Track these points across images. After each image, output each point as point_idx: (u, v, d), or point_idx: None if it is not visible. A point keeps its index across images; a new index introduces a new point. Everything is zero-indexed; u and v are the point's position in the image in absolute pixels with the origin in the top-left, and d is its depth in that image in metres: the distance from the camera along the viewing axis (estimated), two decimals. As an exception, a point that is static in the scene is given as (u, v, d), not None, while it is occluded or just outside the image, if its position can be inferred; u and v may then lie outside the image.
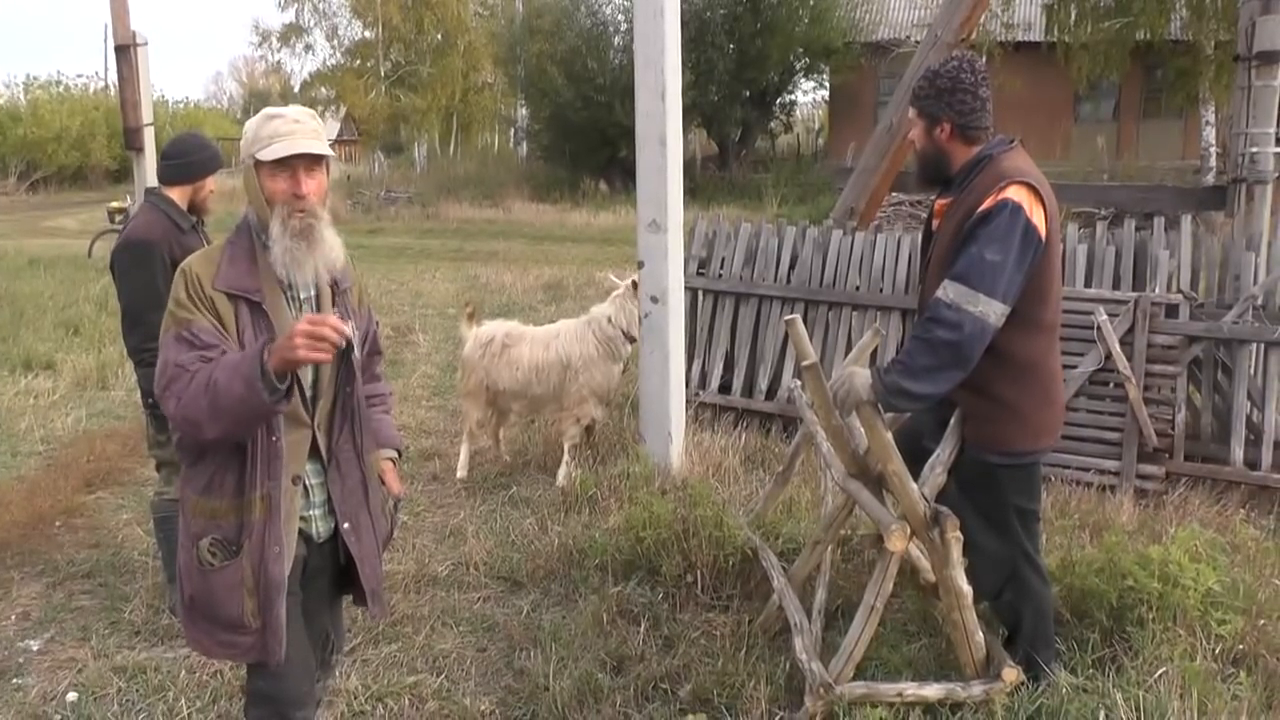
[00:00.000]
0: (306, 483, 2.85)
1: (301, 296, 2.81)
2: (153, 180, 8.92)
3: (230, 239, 2.79)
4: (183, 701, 3.93)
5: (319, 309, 2.82)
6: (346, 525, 2.92)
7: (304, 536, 2.88)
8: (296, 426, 2.77)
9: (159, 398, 2.66)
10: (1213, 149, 22.58)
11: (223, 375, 2.51)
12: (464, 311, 6.93)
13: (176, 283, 2.69)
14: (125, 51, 12.06)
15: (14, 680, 4.21)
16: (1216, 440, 6.01)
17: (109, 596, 4.94)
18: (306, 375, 2.78)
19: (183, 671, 4.14)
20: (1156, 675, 3.57)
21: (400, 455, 3.27)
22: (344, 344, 2.52)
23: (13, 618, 4.77)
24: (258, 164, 2.68)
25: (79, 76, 65.44)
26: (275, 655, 2.77)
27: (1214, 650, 3.79)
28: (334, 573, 3.05)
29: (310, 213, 2.69)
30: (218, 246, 2.81)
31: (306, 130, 2.68)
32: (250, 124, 2.75)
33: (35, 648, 4.49)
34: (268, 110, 2.74)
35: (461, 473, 6.54)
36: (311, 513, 2.89)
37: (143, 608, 4.76)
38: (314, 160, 2.70)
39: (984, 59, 4.39)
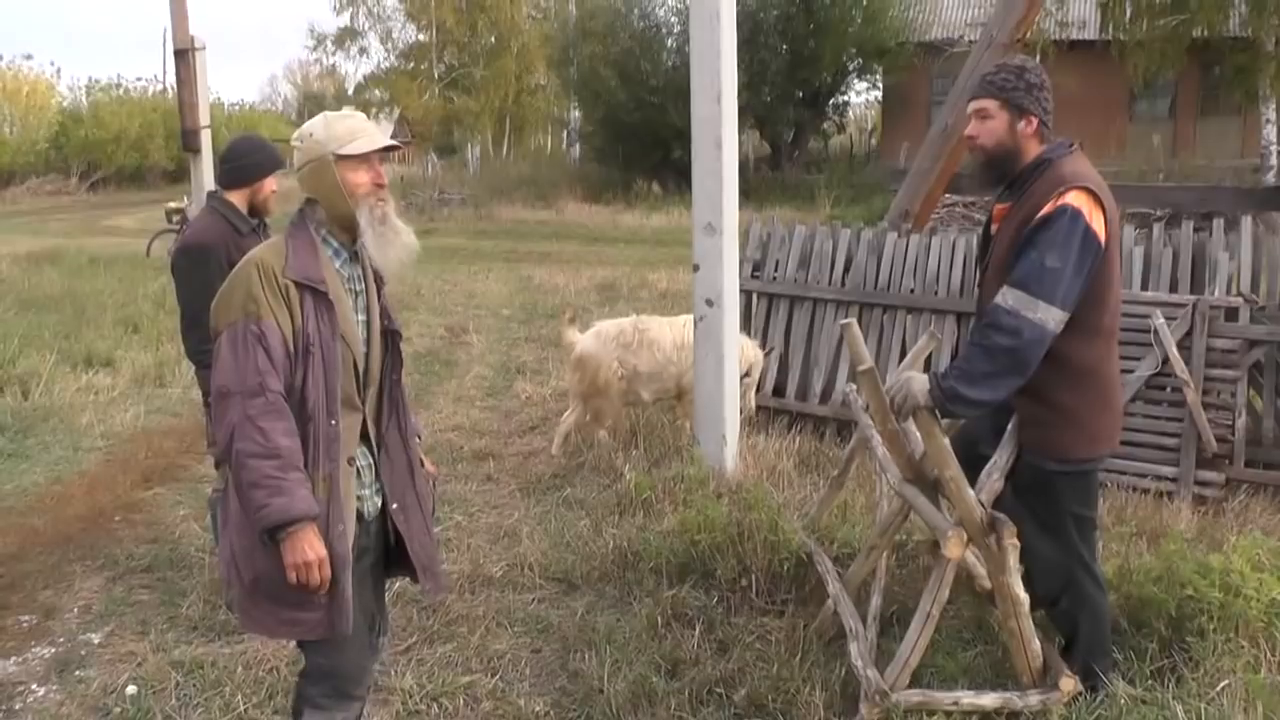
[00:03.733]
0: (358, 464, 2.97)
1: (356, 289, 2.97)
2: (209, 181, 9.05)
3: (289, 234, 2.91)
4: (239, 697, 3.97)
5: (368, 300, 3.00)
6: (395, 505, 3.06)
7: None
8: (350, 411, 2.91)
9: (215, 390, 2.73)
10: (1273, 147, 22.23)
11: (271, 470, 2.66)
12: (564, 317, 7.18)
13: (249, 273, 2.77)
14: (184, 55, 12.28)
15: (77, 672, 4.29)
16: (1278, 446, 5.90)
17: (167, 591, 5.01)
18: (359, 363, 2.92)
19: (239, 667, 4.19)
20: (1219, 688, 3.50)
21: (419, 439, 3.34)
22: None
23: (75, 610, 4.87)
24: (338, 159, 2.84)
25: (138, 80, 66.13)
26: (343, 626, 2.85)
27: (1279, 663, 3.72)
28: (379, 554, 3.14)
29: (387, 200, 2.91)
30: (280, 240, 2.92)
31: (376, 127, 2.93)
32: (317, 125, 2.89)
33: (96, 640, 4.57)
34: (336, 113, 2.94)
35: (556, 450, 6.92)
36: (363, 493, 3.00)
37: (200, 603, 4.82)
38: (384, 152, 2.92)
39: (1038, 57, 4.33)
